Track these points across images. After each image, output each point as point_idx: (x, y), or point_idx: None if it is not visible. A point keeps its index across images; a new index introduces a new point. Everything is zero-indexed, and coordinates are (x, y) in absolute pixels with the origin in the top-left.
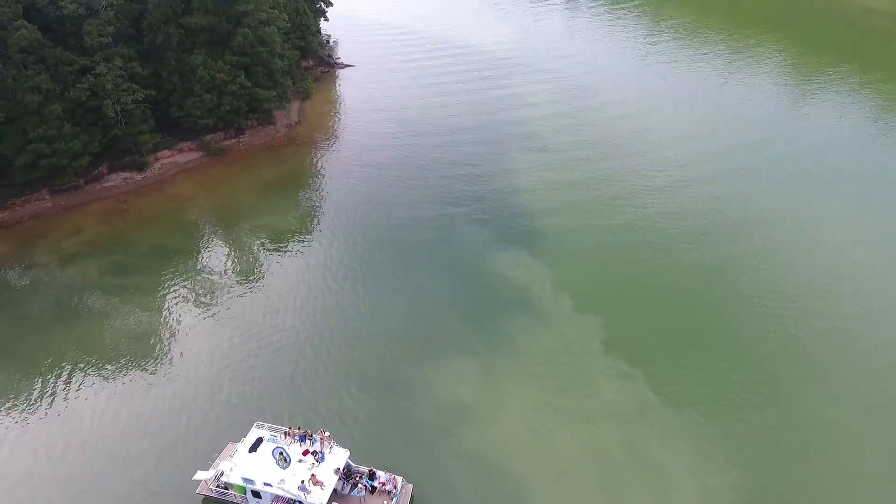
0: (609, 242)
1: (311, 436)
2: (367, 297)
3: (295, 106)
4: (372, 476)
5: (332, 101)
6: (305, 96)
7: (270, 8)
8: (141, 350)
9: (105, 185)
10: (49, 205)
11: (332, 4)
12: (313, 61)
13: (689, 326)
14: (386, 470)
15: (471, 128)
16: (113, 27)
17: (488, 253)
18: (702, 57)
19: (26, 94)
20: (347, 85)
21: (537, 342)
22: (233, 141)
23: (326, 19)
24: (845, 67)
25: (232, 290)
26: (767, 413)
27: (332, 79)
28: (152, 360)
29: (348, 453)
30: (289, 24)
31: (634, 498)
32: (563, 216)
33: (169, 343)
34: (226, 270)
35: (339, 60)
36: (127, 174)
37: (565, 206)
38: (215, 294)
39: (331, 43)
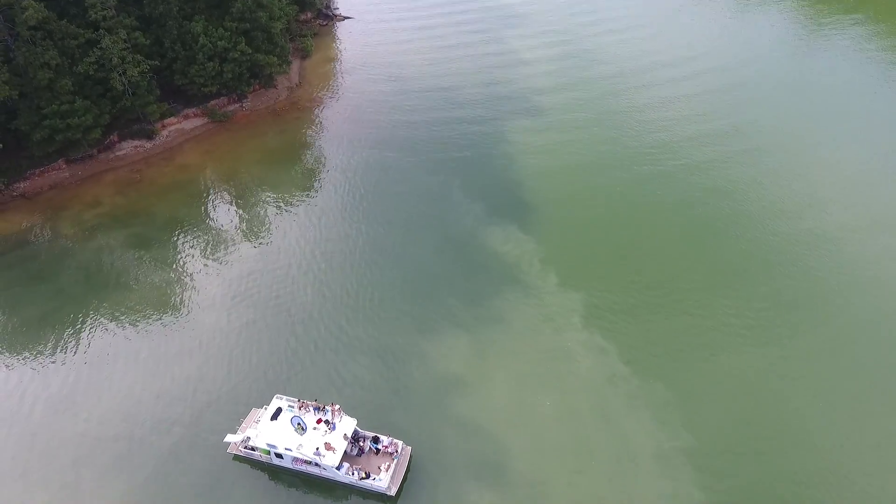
0: (599, 218)
1: (324, 407)
2: (367, 271)
3: (295, 66)
4: (376, 440)
5: (331, 60)
6: (305, 55)
7: None
8: (168, 322)
9: (117, 153)
10: (66, 175)
11: None
12: (311, 14)
13: (662, 305)
14: (388, 435)
15: (469, 87)
16: (117, 0)
17: (481, 227)
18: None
19: (38, 70)
20: (346, 40)
21: (523, 317)
22: (236, 106)
23: None
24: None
25: (246, 263)
26: (716, 384)
27: (331, 33)
28: (178, 332)
29: (356, 422)
30: None
31: (600, 458)
32: (556, 188)
33: (191, 315)
34: (238, 244)
35: (337, 12)
36: (137, 142)
37: (558, 175)
38: (231, 268)
39: None
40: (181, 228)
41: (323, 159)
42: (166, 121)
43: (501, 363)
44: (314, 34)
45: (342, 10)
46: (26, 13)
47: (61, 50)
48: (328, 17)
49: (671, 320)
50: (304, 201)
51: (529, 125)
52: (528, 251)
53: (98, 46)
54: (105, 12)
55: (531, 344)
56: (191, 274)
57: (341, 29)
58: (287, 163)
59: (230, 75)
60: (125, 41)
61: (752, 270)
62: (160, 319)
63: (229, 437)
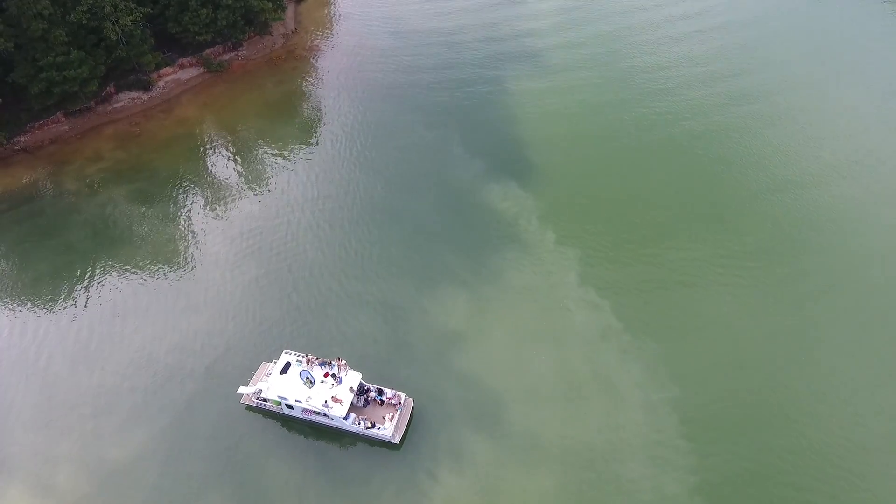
0: (598, 176)
1: (331, 362)
2: (368, 227)
3: (290, 11)
4: (380, 392)
5: (327, 4)
6: None
7: None
8: (174, 277)
9: (115, 105)
10: (66, 128)
11: None
12: None
13: (656, 264)
14: (392, 387)
15: (468, 30)
16: None
17: (480, 183)
18: None
19: (31, 21)
20: None
21: (521, 273)
22: (231, 55)
23: None
24: None
25: (247, 220)
26: (702, 340)
27: None
28: (185, 287)
29: (360, 375)
30: None
31: (591, 409)
32: (555, 144)
33: (197, 271)
34: (239, 199)
35: None
36: (134, 94)
37: (558, 131)
38: (233, 224)
39: None
40: (183, 184)
41: (321, 112)
42: (162, 71)
43: (500, 318)
44: None
45: None
46: None
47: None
48: None
49: (664, 278)
50: (302, 156)
51: (530, 79)
52: (526, 208)
53: None
54: None
55: (528, 300)
56: (195, 230)
57: None
58: (285, 116)
59: (224, 22)
60: None
61: (746, 228)
62: (167, 275)
63: (242, 389)
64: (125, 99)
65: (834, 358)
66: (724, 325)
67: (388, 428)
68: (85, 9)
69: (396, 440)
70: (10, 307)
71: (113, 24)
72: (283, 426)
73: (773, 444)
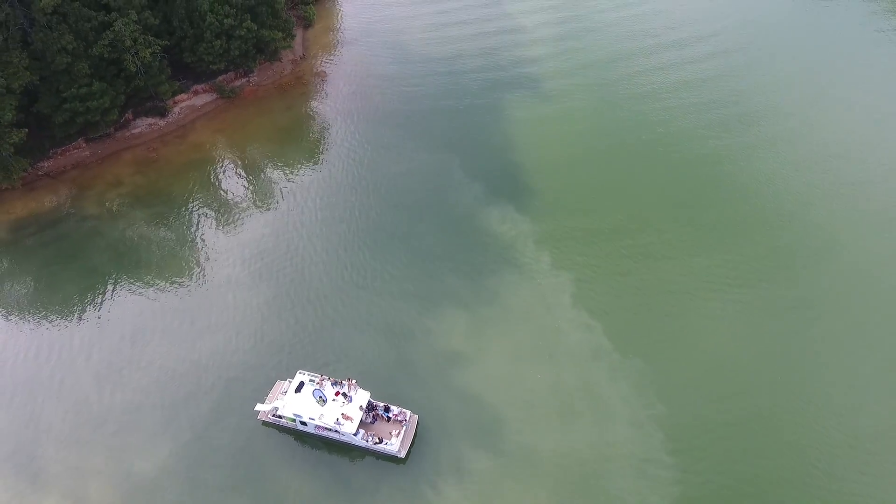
0: (591, 200)
1: (342, 382)
2: (372, 250)
3: (298, 37)
4: (387, 409)
5: (332, 29)
6: (307, 24)
7: None
8: (193, 299)
9: (133, 131)
10: (87, 153)
11: None
12: None
13: (646, 288)
14: (398, 405)
15: (469, 57)
16: None
17: (480, 207)
18: None
19: (56, 55)
20: (348, 8)
21: (517, 296)
22: (243, 81)
23: None
24: None
25: (260, 243)
26: (689, 361)
27: (333, 0)
28: (203, 309)
29: (369, 394)
30: None
31: (583, 425)
32: (551, 169)
33: (214, 293)
34: (252, 224)
35: None
36: (151, 119)
37: (554, 156)
38: (247, 247)
39: None
40: (198, 208)
41: (328, 137)
42: (177, 97)
43: (498, 338)
44: (314, 1)
45: None
46: (42, 1)
47: (76, 33)
48: None
49: (653, 301)
50: (310, 180)
51: (527, 106)
52: (523, 231)
53: (111, 28)
54: None
55: (525, 321)
56: (210, 252)
57: None
58: (294, 140)
59: (237, 52)
60: (136, 22)
61: (737, 255)
62: (185, 296)
63: (259, 406)
64: (142, 125)
65: (821, 377)
66: (710, 347)
67: (395, 443)
68: (106, 43)
69: (402, 454)
70: (42, 328)
71: (133, 56)
72: (296, 441)
73: (756, 463)
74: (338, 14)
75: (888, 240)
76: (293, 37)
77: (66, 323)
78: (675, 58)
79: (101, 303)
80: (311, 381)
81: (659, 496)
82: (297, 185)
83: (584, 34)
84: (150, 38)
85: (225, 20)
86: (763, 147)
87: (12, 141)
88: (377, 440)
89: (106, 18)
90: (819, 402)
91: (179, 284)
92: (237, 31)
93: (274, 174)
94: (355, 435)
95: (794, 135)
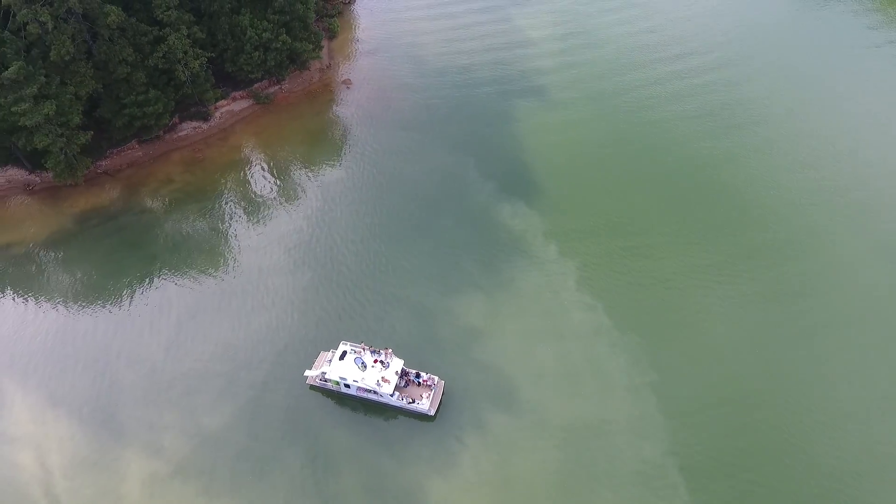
0: (595, 195)
1: (379, 351)
2: (398, 240)
3: (325, 48)
4: (418, 375)
5: (354, 40)
6: (332, 35)
7: None
8: (244, 282)
9: (179, 134)
10: (140, 153)
11: None
12: None
13: (643, 273)
14: (426, 371)
15: (481, 67)
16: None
17: (493, 203)
18: None
19: (117, 66)
20: (368, 19)
21: (528, 280)
22: (276, 88)
23: None
24: None
25: (300, 234)
26: (680, 337)
27: (352, 11)
28: (253, 291)
29: (403, 362)
30: None
31: (586, 390)
32: (558, 167)
33: (262, 277)
34: (291, 216)
35: None
36: (195, 123)
37: (561, 155)
38: (289, 237)
39: None
40: (242, 202)
41: (354, 139)
42: (218, 103)
43: (511, 317)
44: (338, 13)
45: None
46: (109, 18)
47: (134, 46)
48: None
49: (650, 285)
50: (341, 179)
51: (536, 112)
52: (532, 224)
53: (165, 42)
54: (169, 12)
55: (535, 302)
56: (255, 242)
57: (362, 7)
58: (324, 142)
59: (273, 62)
60: (186, 36)
61: (731, 245)
62: (237, 280)
63: (307, 372)
64: (188, 128)
65: (800, 350)
66: (698, 326)
67: (425, 403)
68: (160, 55)
69: (432, 413)
70: (112, 306)
71: (183, 67)
72: (338, 403)
73: (736, 422)
74: (358, 25)
75: (870, 237)
76: (321, 48)
77: (133, 302)
78: (672, 70)
79: (162, 285)
80: (352, 350)
81: (651, 448)
82: (328, 183)
83: (588, 48)
84: (198, 51)
85: (263, 34)
86: (754, 153)
87: (80, 142)
88: (410, 400)
89: (160, 33)
90: (803, 371)
91: (230, 270)
92: (273, 44)
93: (306, 173)
94: (392, 396)
95: (785, 141)
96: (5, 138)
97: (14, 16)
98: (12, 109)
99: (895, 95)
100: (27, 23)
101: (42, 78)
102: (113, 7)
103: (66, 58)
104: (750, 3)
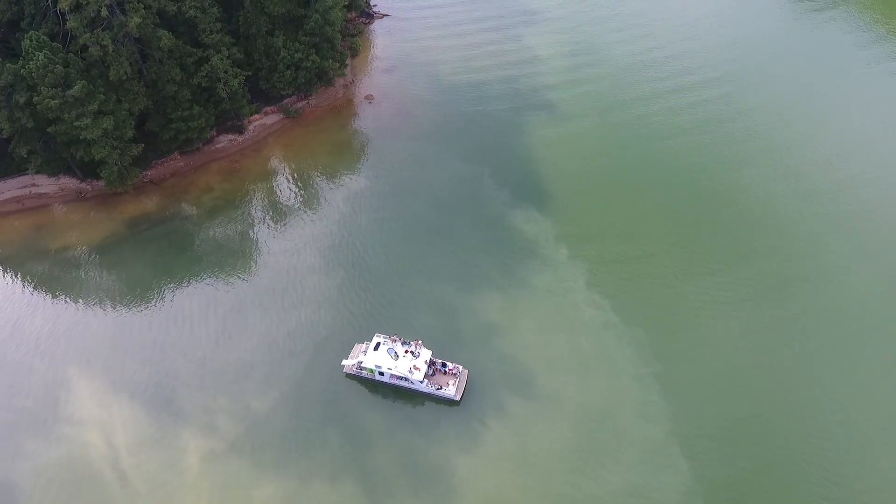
0: (603, 202)
1: (410, 342)
2: (421, 242)
3: (348, 65)
4: (444, 365)
5: (375, 58)
6: (354, 53)
7: None
8: (283, 282)
9: (216, 146)
10: (181, 164)
11: None
12: (356, 13)
13: (648, 274)
14: (452, 361)
15: (493, 84)
16: (220, 24)
17: (507, 209)
18: None
19: (166, 84)
20: (386, 38)
21: (541, 279)
22: (304, 103)
23: None
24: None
25: (331, 237)
26: (682, 331)
27: (372, 31)
28: (291, 289)
29: (431, 352)
30: None
31: (596, 379)
32: (568, 175)
33: (298, 277)
34: (322, 221)
35: (376, 10)
36: (231, 136)
37: (571, 164)
38: (322, 240)
39: None
40: (277, 209)
41: (377, 150)
42: (252, 117)
43: (526, 313)
44: (359, 33)
45: (380, 8)
46: (161, 41)
47: (181, 66)
48: (369, 16)
49: (653, 284)
50: (366, 186)
51: (546, 124)
52: (544, 228)
53: (208, 63)
54: (212, 36)
55: (547, 299)
56: (291, 245)
57: (380, 26)
58: (349, 154)
59: (302, 80)
60: (227, 57)
61: (725, 247)
62: (276, 279)
63: (344, 361)
64: (224, 141)
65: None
66: (697, 320)
67: (452, 389)
68: (204, 74)
69: (458, 398)
70: (164, 302)
71: (223, 85)
72: (371, 391)
73: (733, 407)
74: (378, 44)
75: (863, 244)
76: (346, 65)
77: (182, 299)
78: (675, 86)
79: (208, 284)
80: (385, 341)
81: (656, 430)
82: (353, 190)
83: (595, 65)
84: (237, 70)
85: (295, 54)
86: (752, 163)
87: (132, 154)
88: (438, 387)
89: (204, 54)
90: (790, 363)
91: (268, 269)
92: (304, 63)
93: (333, 181)
94: (421, 382)
95: (781, 153)
96: (63, 150)
97: (76, 38)
98: (75, 124)
99: (887, 110)
100: (89, 45)
101: (101, 95)
102: (165, 31)
103: (123, 77)
104: (750, 25)
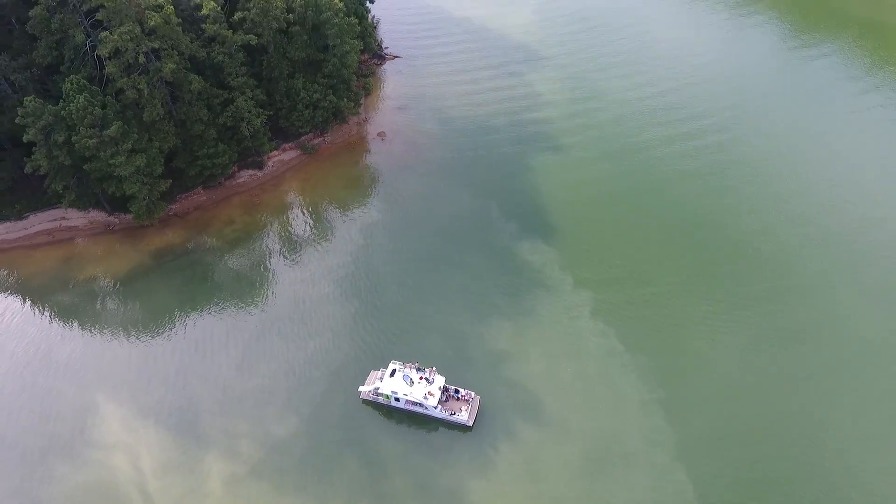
0: (605, 234)
1: (424, 369)
2: (432, 273)
3: (361, 104)
4: (457, 391)
5: (387, 97)
6: (367, 93)
7: (345, 16)
8: (300, 310)
9: (238, 181)
10: (204, 198)
11: None
12: (369, 55)
13: (649, 303)
14: (464, 387)
15: (499, 123)
16: (244, 68)
17: (514, 241)
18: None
19: (194, 124)
20: (397, 79)
21: (547, 308)
22: (320, 140)
23: (372, 1)
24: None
25: (346, 268)
26: (684, 360)
27: (384, 71)
28: (309, 318)
29: (444, 379)
30: (359, 29)
31: (602, 404)
32: (572, 209)
33: (315, 306)
34: (337, 252)
35: (388, 52)
36: (251, 171)
37: (575, 199)
38: (336, 270)
39: (377, 26)
40: (296, 241)
41: (389, 185)
42: (271, 153)
43: (534, 341)
44: (372, 73)
45: (391, 50)
46: (192, 85)
47: (208, 107)
48: (381, 58)
49: (656, 313)
50: (379, 219)
51: (549, 159)
52: (550, 259)
53: (233, 104)
54: (238, 79)
55: (555, 328)
56: (309, 275)
57: (391, 67)
58: (364, 188)
59: (320, 118)
60: (251, 98)
61: (721, 281)
62: (295, 308)
63: (361, 388)
64: (245, 175)
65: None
66: (698, 348)
67: (465, 415)
68: (229, 114)
69: (470, 423)
70: (187, 330)
71: (246, 124)
72: (386, 416)
73: (734, 430)
74: (390, 84)
75: (865, 285)
76: (360, 104)
77: (205, 327)
78: (676, 130)
79: (230, 313)
80: (401, 368)
81: (661, 453)
82: (367, 223)
83: (597, 110)
84: (259, 110)
85: (314, 95)
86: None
87: (160, 189)
88: (451, 413)
89: (229, 96)
90: (794, 385)
91: (287, 299)
92: (322, 103)
93: (348, 214)
94: (435, 408)
95: (782, 199)
96: (95, 185)
97: (114, 82)
98: (110, 161)
99: (884, 153)
100: (125, 88)
101: (135, 135)
102: (195, 76)
103: (156, 118)
104: (746, 67)
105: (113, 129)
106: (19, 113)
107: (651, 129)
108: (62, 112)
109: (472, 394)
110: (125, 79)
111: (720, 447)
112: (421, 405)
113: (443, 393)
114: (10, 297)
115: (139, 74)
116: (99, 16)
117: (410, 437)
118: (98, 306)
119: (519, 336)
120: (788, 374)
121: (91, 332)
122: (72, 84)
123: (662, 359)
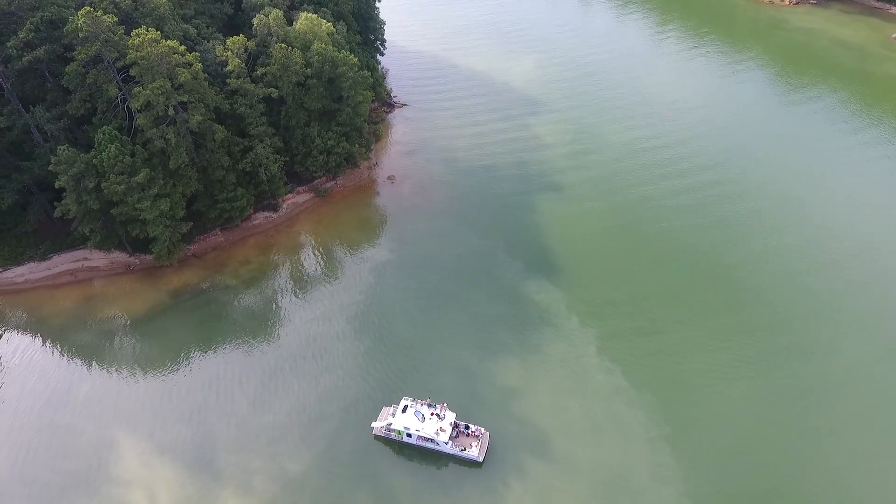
0: (609, 274)
1: (436, 405)
2: (440, 311)
3: (372, 149)
4: (467, 427)
5: (396, 143)
6: (377, 139)
7: (359, 70)
8: (314, 348)
9: (253, 222)
10: (221, 239)
11: (385, 48)
12: (379, 103)
13: (652, 342)
14: (475, 424)
15: (504, 167)
16: (265, 117)
17: (521, 280)
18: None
19: (216, 170)
20: (406, 125)
21: (554, 347)
22: (332, 183)
23: (382, 54)
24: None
25: (358, 306)
26: (690, 397)
27: (393, 119)
28: (321, 354)
29: (455, 415)
30: (371, 80)
31: (608, 440)
32: (574, 252)
33: (328, 342)
34: (349, 291)
35: (396, 100)
36: (266, 213)
37: (578, 238)
38: (348, 308)
39: (386, 76)
40: (309, 281)
41: (399, 226)
42: (286, 196)
43: (541, 378)
44: (381, 120)
45: (399, 98)
46: (216, 134)
47: (228, 154)
48: (390, 105)
49: (659, 353)
50: (390, 259)
51: (554, 201)
52: (556, 298)
53: (252, 151)
54: (258, 128)
55: (561, 365)
56: (322, 313)
57: (400, 115)
58: (374, 229)
59: (333, 163)
60: (269, 145)
61: (722, 320)
62: (307, 345)
63: (374, 423)
64: (260, 217)
65: (793, 403)
66: (703, 385)
67: (475, 451)
68: (248, 161)
69: (481, 459)
70: (204, 366)
71: (264, 170)
72: (398, 452)
73: (741, 467)
74: (399, 131)
75: (875, 338)
76: (371, 150)
77: (221, 364)
78: (674, 171)
79: (245, 350)
80: (412, 404)
81: (668, 488)
82: (378, 263)
83: (596, 155)
84: (277, 157)
85: (328, 142)
86: (754, 260)
87: (181, 231)
88: (461, 448)
89: (249, 144)
90: (795, 423)
91: (301, 336)
92: (335, 149)
93: (359, 255)
94: (447, 444)
95: (777, 253)
96: (120, 228)
97: (143, 132)
98: (136, 206)
99: (872, 189)
100: (154, 138)
101: (160, 181)
102: (219, 126)
103: (181, 165)
104: (737, 111)
105: (141, 176)
106: (52, 160)
107: (649, 170)
108: (94, 160)
109: (482, 430)
110: (154, 129)
111: (727, 482)
112: (432, 441)
113: (453, 429)
114: (32, 336)
115: (167, 125)
116: (132, 71)
117: (421, 472)
118: (117, 344)
119: (526, 373)
120: (797, 412)
121: (109, 369)
122: (104, 134)
123: (667, 396)
